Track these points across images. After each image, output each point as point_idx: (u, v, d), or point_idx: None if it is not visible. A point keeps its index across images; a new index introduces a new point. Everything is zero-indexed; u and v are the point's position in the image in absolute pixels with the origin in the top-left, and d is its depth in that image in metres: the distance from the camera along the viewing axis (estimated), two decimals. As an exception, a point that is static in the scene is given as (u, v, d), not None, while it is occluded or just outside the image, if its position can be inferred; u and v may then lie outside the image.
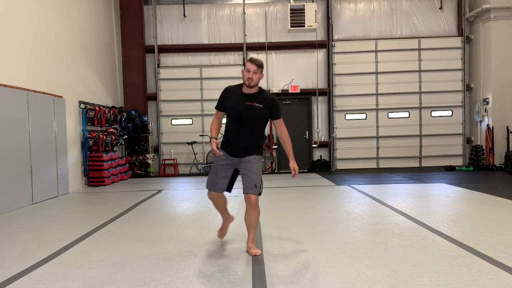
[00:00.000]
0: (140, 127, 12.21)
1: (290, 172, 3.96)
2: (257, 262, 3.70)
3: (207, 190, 4.10)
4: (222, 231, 4.46)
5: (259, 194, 3.90)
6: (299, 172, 3.99)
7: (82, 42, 9.91)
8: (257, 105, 3.84)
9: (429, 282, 3.10)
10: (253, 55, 12.80)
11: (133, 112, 12.07)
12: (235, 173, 4.05)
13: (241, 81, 3.98)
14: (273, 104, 3.91)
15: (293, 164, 3.95)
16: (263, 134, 4.07)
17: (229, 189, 4.08)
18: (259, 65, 3.84)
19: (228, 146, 3.96)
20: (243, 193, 3.87)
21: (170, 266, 3.66)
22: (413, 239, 4.34)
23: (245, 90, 3.89)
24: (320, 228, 4.94)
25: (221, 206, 4.27)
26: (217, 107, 4.06)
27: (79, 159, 9.55)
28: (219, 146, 3.92)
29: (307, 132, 12.87)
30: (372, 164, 12.85)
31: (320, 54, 12.87)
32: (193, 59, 12.88)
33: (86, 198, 8.25)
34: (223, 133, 4.07)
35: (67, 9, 9.26)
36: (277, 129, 4.05)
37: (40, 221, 5.84)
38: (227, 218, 4.42)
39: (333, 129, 12.76)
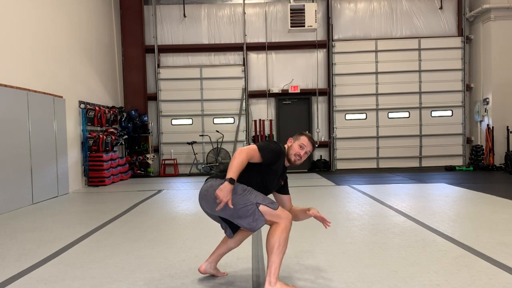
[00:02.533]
0: (140, 127, 12.21)
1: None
2: (257, 262, 3.70)
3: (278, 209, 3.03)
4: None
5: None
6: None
7: (82, 42, 9.91)
8: (281, 182, 3.27)
9: (429, 282, 3.10)
10: (253, 55, 12.81)
11: (133, 112, 12.07)
12: None
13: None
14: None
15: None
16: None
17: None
18: (315, 149, 3.29)
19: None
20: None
21: (170, 266, 3.66)
22: (413, 239, 4.34)
23: (285, 163, 3.19)
24: (320, 228, 4.93)
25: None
26: (264, 155, 2.92)
27: (79, 159, 9.54)
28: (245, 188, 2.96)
29: (307, 132, 12.84)
30: (372, 164, 12.85)
31: (320, 54, 12.86)
32: (193, 59, 12.87)
33: (86, 198, 8.25)
34: (244, 177, 2.94)
35: (67, 9, 9.26)
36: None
37: (40, 221, 5.84)
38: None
39: (333, 129, 12.75)
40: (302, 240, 4.43)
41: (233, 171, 2.76)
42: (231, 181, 2.73)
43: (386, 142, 12.80)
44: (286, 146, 3.20)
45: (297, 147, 3.14)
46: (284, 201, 3.34)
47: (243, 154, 2.82)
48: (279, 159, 3.04)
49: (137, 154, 12.23)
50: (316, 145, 3.05)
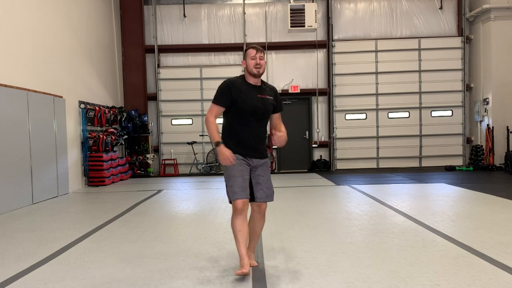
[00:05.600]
0: (140, 127, 12.21)
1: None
2: (257, 262, 3.70)
3: (234, 200, 3.27)
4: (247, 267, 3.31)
5: None
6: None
7: (82, 42, 9.91)
8: (268, 97, 3.44)
9: (429, 282, 3.10)
10: (253, 55, 12.78)
11: (133, 112, 12.07)
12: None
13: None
14: (276, 94, 3.55)
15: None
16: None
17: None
18: (263, 51, 3.44)
19: (242, 148, 3.36)
20: (260, 201, 3.39)
21: (170, 266, 3.66)
22: (413, 239, 4.34)
23: (252, 81, 3.42)
24: (320, 228, 4.94)
25: (246, 229, 3.36)
26: (219, 102, 3.38)
27: (79, 159, 9.54)
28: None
29: (307, 132, 12.86)
30: (372, 164, 12.85)
31: (320, 54, 12.86)
32: (193, 59, 12.87)
33: (86, 198, 8.25)
34: (226, 133, 3.49)
35: (67, 9, 9.26)
36: (275, 122, 3.57)
37: (40, 221, 5.84)
38: (250, 253, 3.55)
39: (333, 129, 12.75)
40: (302, 240, 4.43)
41: (214, 136, 3.36)
42: (217, 144, 3.32)
43: (386, 142, 12.79)
44: (243, 69, 3.47)
45: (250, 61, 3.38)
46: (277, 121, 3.61)
47: (207, 120, 3.44)
48: (230, 87, 3.37)
49: (137, 154, 12.22)
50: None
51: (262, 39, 12.76)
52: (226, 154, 3.26)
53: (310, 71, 12.86)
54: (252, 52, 3.39)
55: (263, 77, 3.63)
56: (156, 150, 12.74)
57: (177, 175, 12.34)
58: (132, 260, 3.84)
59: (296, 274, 3.36)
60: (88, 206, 7.27)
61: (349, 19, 12.85)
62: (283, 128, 3.51)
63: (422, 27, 12.80)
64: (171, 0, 12.77)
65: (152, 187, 9.43)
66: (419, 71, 12.68)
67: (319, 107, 12.89)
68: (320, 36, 12.70)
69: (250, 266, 3.43)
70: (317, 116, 12.87)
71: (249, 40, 12.71)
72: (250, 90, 3.39)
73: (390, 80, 12.68)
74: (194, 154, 12.39)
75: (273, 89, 3.58)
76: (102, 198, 8.05)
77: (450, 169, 11.86)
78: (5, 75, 6.87)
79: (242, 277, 3.33)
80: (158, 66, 12.76)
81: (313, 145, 12.76)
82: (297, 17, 11.46)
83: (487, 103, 12.04)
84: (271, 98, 3.46)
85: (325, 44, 12.79)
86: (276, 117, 3.59)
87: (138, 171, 12.11)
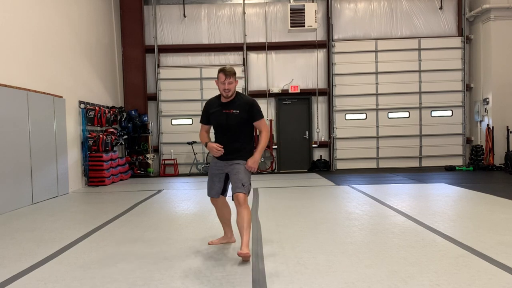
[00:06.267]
0: (140, 127, 12.21)
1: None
2: (257, 262, 3.70)
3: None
4: (215, 241, 4.39)
5: (247, 193, 3.93)
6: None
7: (82, 42, 9.91)
8: (233, 111, 3.91)
9: (429, 282, 3.10)
10: (253, 55, 12.80)
11: (133, 112, 12.07)
12: (227, 177, 4.08)
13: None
14: (249, 106, 3.95)
15: (252, 159, 3.94)
16: (249, 137, 4.06)
17: (224, 192, 4.15)
18: (233, 74, 3.90)
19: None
20: (232, 194, 3.90)
21: (170, 266, 3.66)
22: (413, 239, 4.34)
23: (223, 99, 4.01)
24: (320, 228, 4.94)
25: (223, 216, 4.30)
26: (202, 121, 4.20)
27: (79, 159, 9.54)
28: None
29: (307, 132, 12.86)
30: (372, 164, 12.85)
31: (320, 54, 12.86)
32: (193, 59, 12.87)
33: (86, 198, 8.26)
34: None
35: (67, 9, 9.26)
36: (257, 129, 4.08)
37: (40, 221, 5.84)
38: (227, 234, 4.38)
39: (333, 129, 12.75)
40: (302, 239, 4.43)
41: (203, 141, 4.16)
42: (205, 145, 4.06)
43: (386, 142, 12.79)
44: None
45: (220, 85, 3.93)
46: (257, 127, 4.07)
47: (201, 132, 4.23)
48: (206, 108, 4.14)
49: (137, 154, 12.22)
50: (235, 73, 3.94)
51: (262, 39, 12.77)
52: (212, 146, 3.95)
53: (310, 71, 12.86)
54: (222, 77, 3.88)
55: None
56: (156, 150, 12.74)
57: (177, 175, 12.34)
58: (132, 260, 3.84)
59: (296, 274, 3.36)
60: (88, 206, 7.28)
61: (349, 19, 12.85)
62: (264, 132, 4.02)
63: (422, 27, 12.80)
64: (171, 0, 12.77)
65: (152, 187, 9.43)
66: (419, 71, 12.68)
67: (319, 107, 12.90)
68: (320, 36, 12.71)
69: (244, 255, 3.66)
70: (317, 116, 12.87)
71: (249, 40, 12.72)
72: (218, 107, 4.01)
73: (390, 80, 12.69)
74: (194, 154, 12.40)
75: (247, 102, 3.97)
76: (102, 198, 8.05)
77: (450, 169, 11.86)
78: (5, 75, 6.87)
79: (242, 277, 3.33)
80: (158, 66, 12.77)
81: (313, 145, 12.76)
82: (297, 17, 11.46)
83: (487, 103, 12.04)
84: (237, 111, 3.91)
85: (325, 44, 12.79)
86: (257, 125, 4.04)
87: (138, 171, 12.11)
